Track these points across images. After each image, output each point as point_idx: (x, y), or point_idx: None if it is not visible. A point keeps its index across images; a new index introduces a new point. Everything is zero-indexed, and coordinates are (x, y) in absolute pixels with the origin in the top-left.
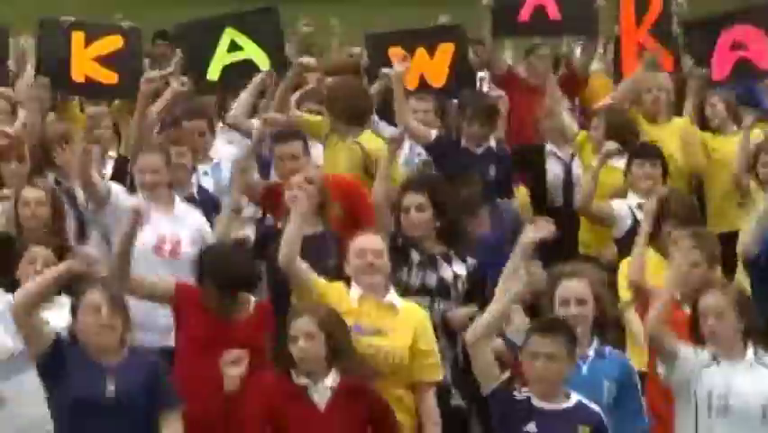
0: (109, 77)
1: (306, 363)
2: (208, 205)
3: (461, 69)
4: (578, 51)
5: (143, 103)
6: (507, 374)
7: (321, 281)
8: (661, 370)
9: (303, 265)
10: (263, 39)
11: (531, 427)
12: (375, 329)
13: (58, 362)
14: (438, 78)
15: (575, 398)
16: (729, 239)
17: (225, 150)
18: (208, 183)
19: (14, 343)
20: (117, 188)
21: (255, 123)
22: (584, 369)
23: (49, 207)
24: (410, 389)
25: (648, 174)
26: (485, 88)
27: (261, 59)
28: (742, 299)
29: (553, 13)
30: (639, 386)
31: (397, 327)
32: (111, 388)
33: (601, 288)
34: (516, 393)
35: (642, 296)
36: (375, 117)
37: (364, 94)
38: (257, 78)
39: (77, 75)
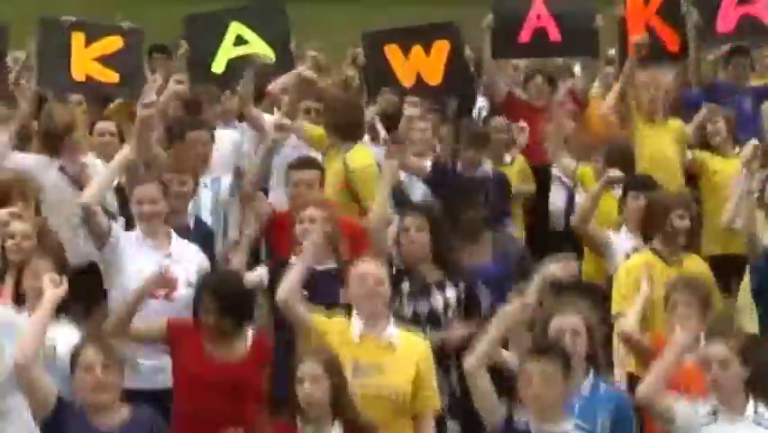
0: (110, 76)
1: (311, 407)
2: (204, 237)
3: (457, 66)
4: (577, 69)
5: (142, 128)
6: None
7: (320, 319)
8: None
9: (300, 305)
10: (269, 34)
11: None
12: (375, 367)
13: (58, 425)
14: (434, 77)
15: (572, 421)
16: (724, 262)
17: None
18: (206, 197)
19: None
20: (117, 227)
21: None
22: (576, 407)
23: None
24: (411, 420)
25: (642, 207)
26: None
27: (267, 52)
28: (746, 346)
29: (554, 34)
30: (633, 421)
31: (397, 363)
32: None
33: (594, 322)
34: (515, 421)
35: (637, 349)
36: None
37: (360, 110)
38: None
39: (78, 74)
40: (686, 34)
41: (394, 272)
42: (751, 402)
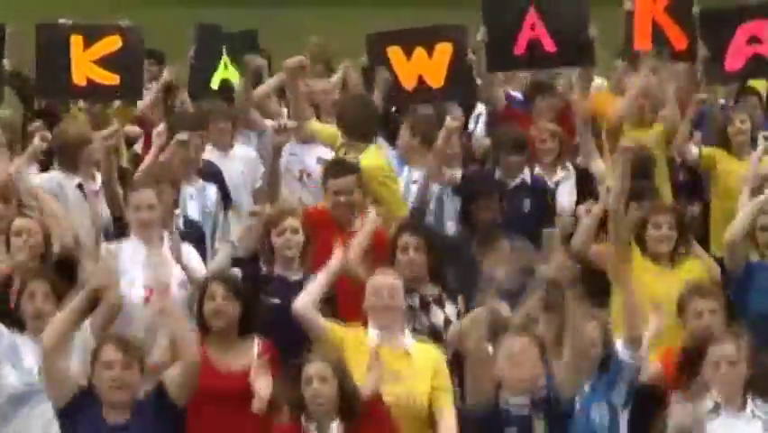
0: (110, 78)
1: (317, 406)
2: (195, 236)
3: (460, 69)
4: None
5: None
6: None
7: (337, 328)
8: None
9: (318, 316)
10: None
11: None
12: (393, 376)
13: (73, 415)
14: (437, 79)
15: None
16: None
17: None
18: (193, 209)
19: (19, 381)
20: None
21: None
22: (577, 406)
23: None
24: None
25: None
26: (480, 125)
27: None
28: (748, 346)
29: (549, 45)
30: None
31: (414, 371)
32: None
33: (607, 330)
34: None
35: None
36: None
37: (372, 111)
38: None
39: (79, 78)
40: (694, 33)
41: None
42: (749, 398)
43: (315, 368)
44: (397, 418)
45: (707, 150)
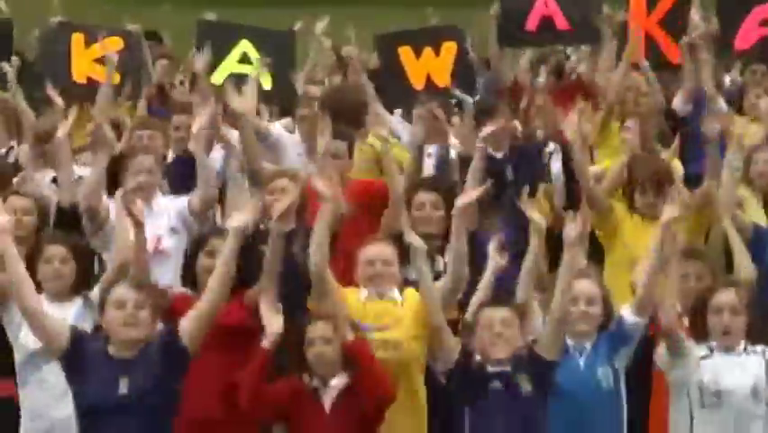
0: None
1: (320, 367)
2: (187, 170)
3: (464, 68)
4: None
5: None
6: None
7: (340, 288)
8: (663, 364)
9: (332, 276)
10: (275, 61)
11: (495, 384)
12: (381, 325)
13: (78, 359)
14: (443, 78)
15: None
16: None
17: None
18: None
19: (35, 343)
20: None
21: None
22: (581, 365)
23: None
24: (419, 390)
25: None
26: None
27: (266, 79)
28: (749, 295)
29: (561, 22)
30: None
31: (401, 318)
32: (124, 388)
33: (605, 288)
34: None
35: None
36: (392, 118)
37: (354, 94)
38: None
39: (79, 76)
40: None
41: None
42: (742, 342)
43: (318, 329)
44: (386, 365)
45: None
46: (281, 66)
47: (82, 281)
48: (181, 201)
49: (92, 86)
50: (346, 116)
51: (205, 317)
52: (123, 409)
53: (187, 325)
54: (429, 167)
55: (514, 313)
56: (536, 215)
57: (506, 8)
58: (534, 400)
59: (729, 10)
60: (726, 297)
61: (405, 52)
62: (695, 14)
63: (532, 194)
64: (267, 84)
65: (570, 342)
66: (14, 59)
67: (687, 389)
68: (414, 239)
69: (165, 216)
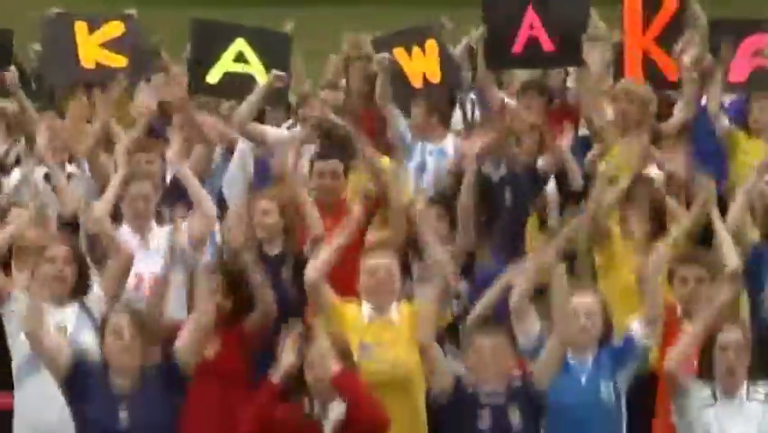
0: (119, 60)
1: (321, 388)
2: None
3: (448, 62)
4: (569, 80)
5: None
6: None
7: (339, 304)
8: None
9: (327, 287)
10: (271, 60)
11: (485, 419)
12: (381, 342)
13: (79, 385)
14: (434, 75)
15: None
16: None
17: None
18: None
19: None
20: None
21: (270, 130)
22: (582, 380)
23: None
24: (419, 408)
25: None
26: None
27: (263, 78)
28: (749, 333)
29: (547, 44)
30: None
31: (399, 336)
32: (124, 422)
33: (605, 303)
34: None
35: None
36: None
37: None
38: (265, 84)
39: (87, 62)
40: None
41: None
42: (744, 383)
43: (317, 352)
44: (382, 387)
45: (732, 130)
46: (277, 64)
47: (81, 285)
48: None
49: (101, 70)
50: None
51: (199, 337)
52: None
53: (183, 346)
54: (430, 164)
55: (505, 339)
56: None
57: (492, 31)
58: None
59: (719, 46)
60: (732, 335)
61: (400, 53)
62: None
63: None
64: (263, 81)
65: (570, 355)
66: (12, 68)
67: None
68: (440, 254)
69: (162, 252)
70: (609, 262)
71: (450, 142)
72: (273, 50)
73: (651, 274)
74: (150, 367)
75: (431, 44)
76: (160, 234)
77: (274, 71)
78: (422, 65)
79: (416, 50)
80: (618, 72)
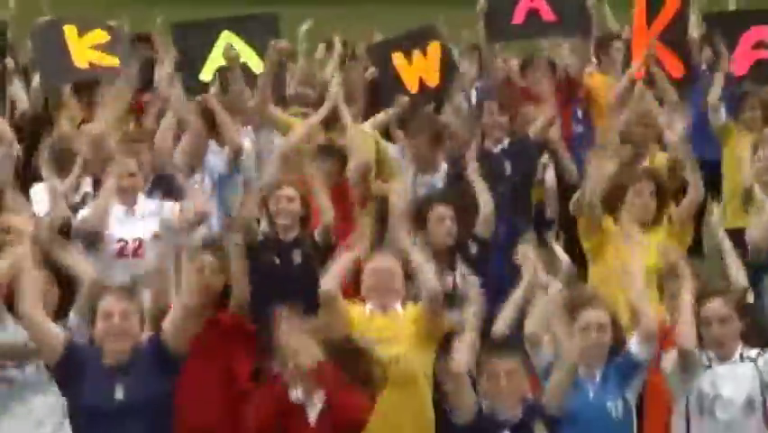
0: (111, 60)
1: (302, 378)
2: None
3: (450, 65)
4: (565, 53)
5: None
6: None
7: (348, 308)
8: (671, 376)
9: (342, 300)
10: (261, 44)
11: None
12: (383, 339)
13: (72, 367)
14: (433, 78)
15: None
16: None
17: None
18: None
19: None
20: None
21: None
22: (590, 394)
23: None
24: (425, 405)
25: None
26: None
27: (256, 64)
28: (741, 301)
29: (547, 14)
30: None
31: (401, 332)
32: (120, 394)
33: (615, 314)
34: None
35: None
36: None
37: None
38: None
39: (80, 62)
40: (690, 60)
41: None
42: (737, 348)
43: (300, 340)
44: (390, 380)
45: (725, 123)
46: (268, 45)
47: (62, 307)
48: (168, 208)
49: (95, 69)
50: None
51: (185, 315)
52: (122, 414)
53: (169, 326)
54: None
55: (519, 361)
56: (565, 256)
57: (492, 3)
58: None
59: (720, 38)
60: (712, 308)
61: (398, 58)
62: (693, 31)
63: (526, 190)
64: (258, 67)
65: (580, 370)
66: (9, 60)
67: (684, 399)
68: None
69: (149, 220)
70: (600, 249)
71: (442, 174)
72: (261, 34)
73: (642, 290)
74: (140, 346)
75: (434, 46)
76: (145, 205)
77: (273, 42)
78: (420, 69)
79: (416, 53)
80: (627, 67)
